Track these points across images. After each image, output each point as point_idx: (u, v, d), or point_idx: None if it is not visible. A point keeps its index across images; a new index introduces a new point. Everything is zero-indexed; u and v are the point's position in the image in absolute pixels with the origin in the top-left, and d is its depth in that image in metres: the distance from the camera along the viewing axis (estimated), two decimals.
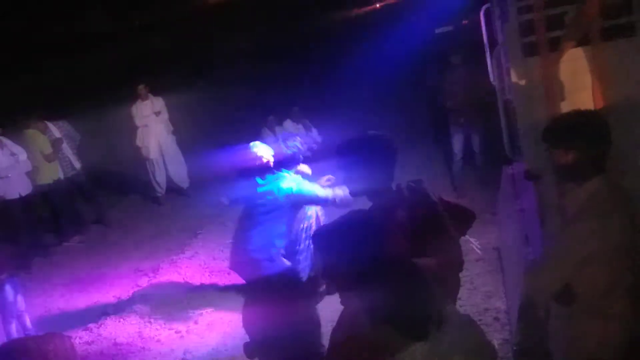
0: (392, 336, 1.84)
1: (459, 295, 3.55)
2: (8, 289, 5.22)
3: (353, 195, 2.87)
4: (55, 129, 8.21)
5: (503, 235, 5.60)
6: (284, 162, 4.59)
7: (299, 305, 4.18)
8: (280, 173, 4.44)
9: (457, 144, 7.78)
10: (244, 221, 4.53)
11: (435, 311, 1.85)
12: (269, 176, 4.40)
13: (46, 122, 8.17)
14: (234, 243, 4.69)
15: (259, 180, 4.40)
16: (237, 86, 12.15)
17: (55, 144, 8.06)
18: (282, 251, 4.49)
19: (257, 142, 4.57)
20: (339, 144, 2.71)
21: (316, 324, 4.19)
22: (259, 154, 4.43)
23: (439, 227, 2.60)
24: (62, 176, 8.19)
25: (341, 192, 4.39)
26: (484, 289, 5.10)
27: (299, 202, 4.53)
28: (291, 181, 4.38)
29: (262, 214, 4.36)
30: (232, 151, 4.72)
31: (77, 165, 8.34)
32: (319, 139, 10.64)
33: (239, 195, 4.67)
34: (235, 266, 4.67)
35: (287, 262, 4.49)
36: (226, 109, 11.75)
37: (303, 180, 4.49)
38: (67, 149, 8.25)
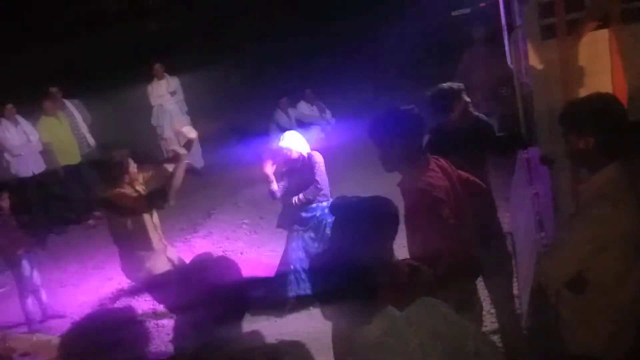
0: None
1: None
2: (25, 264, 5.31)
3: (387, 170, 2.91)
4: (72, 107, 8.27)
5: (516, 220, 5.56)
6: None
7: None
8: None
9: None
10: None
11: None
12: None
13: (63, 100, 8.22)
14: None
15: None
16: (253, 66, 12.11)
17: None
18: None
19: None
20: (372, 119, 2.79)
21: None
22: None
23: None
24: (79, 155, 8.26)
25: None
26: None
27: None
28: None
29: None
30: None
31: (92, 142, 8.39)
32: (332, 120, 10.62)
33: None
34: None
35: None
36: (241, 89, 11.72)
37: None
38: (83, 127, 8.31)
